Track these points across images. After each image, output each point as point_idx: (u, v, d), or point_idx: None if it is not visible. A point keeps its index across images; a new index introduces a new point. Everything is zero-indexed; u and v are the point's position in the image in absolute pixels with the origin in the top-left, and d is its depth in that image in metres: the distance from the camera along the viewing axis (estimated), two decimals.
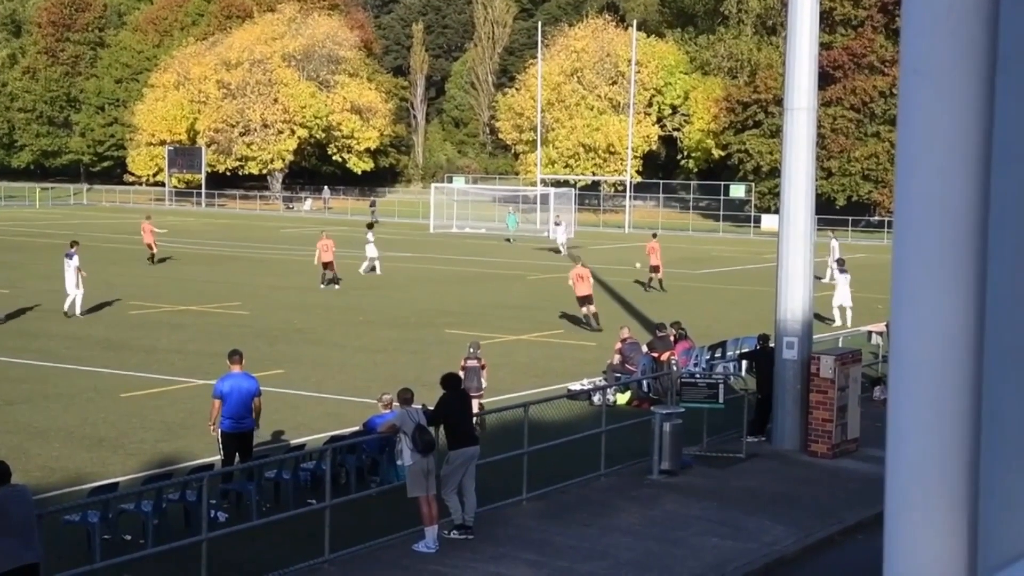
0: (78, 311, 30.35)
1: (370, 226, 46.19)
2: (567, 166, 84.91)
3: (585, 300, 30.10)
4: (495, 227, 65.83)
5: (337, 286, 37.81)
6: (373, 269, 43.13)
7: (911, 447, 1.43)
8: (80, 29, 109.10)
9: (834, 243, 42.87)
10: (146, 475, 14.71)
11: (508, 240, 59.95)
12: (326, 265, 38.26)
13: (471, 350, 19.90)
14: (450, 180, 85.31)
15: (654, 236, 41.84)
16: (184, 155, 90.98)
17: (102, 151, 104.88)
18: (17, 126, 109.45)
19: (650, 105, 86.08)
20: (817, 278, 41.39)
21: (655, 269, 39.09)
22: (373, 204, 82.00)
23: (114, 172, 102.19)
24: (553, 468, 15.96)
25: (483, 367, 19.62)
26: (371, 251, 43.27)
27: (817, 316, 29.42)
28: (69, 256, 30.83)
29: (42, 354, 24.58)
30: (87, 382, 22.05)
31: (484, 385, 19.52)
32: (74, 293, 30.37)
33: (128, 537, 13.08)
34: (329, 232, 41.35)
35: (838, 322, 31.11)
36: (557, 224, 56.91)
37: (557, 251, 53.53)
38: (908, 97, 1.38)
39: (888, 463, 1.47)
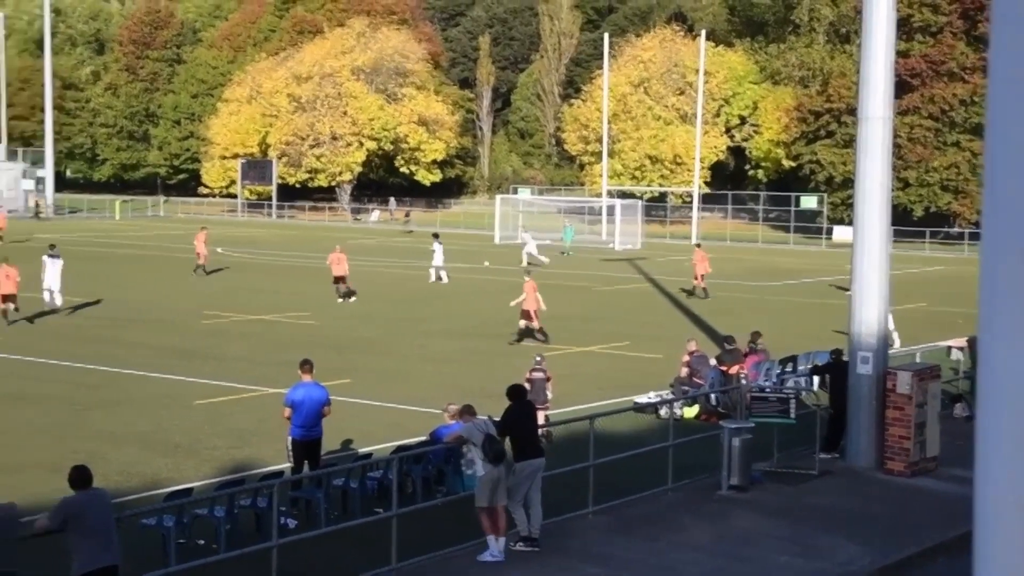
0: (59, 303, 32.37)
1: (436, 235, 46.28)
2: (633, 177, 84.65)
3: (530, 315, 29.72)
4: (560, 238, 65.68)
5: (352, 299, 37.10)
6: (440, 278, 43.27)
7: (1002, 465, 1.38)
8: (159, 46, 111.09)
9: None
10: (219, 481, 14.91)
11: (564, 253, 59.61)
12: (338, 279, 37.52)
13: (536, 361, 19.91)
14: (515, 191, 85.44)
15: (698, 246, 42.95)
16: (256, 168, 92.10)
17: (178, 164, 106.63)
18: (99, 141, 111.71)
19: (718, 115, 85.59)
20: (844, 289, 41.10)
21: (700, 277, 40.27)
22: (407, 215, 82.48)
23: (189, 184, 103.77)
24: (619, 481, 15.90)
25: (548, 379, 19.61)
26: (437, 259, 43.43)
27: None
28: (53, 257, 32.68)
29: (119, 361, 24.99)
30: (162, 389, 22.39)
31: (550, 397, 19.51)
32: (54, 289, 32.35)
33: (202, 542, 13.26)
34: (343, 246, 40.90)
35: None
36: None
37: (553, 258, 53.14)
38: (998, 106, 1.37)
39: (977, 483, 1.42)
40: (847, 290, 34.91)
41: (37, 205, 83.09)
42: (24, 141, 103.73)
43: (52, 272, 32.66)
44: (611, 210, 71.31)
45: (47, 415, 19.82)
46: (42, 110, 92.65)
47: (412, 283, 43.92)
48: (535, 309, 29.35)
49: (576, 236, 65.94)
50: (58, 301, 32.75)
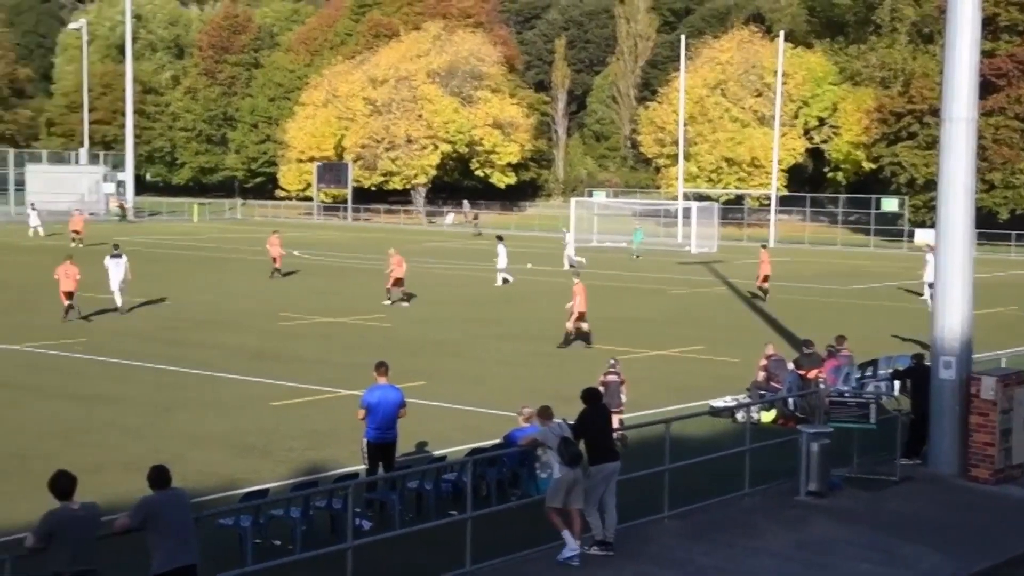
0: (119, 303, 33.21)
1: (500, 237, 46.26)
2: (710, 180, 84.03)
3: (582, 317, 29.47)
4: (630, 241, 65.29)
5: (406, 304, 36.88)
6: (506, 280, 43.27)
7: None
8: (237, 51, 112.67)
9: (929, 257, 41.54)
10: (294, 482, 15.01)
11: (634, 256, 59.13)
12: (396, 282, 37.21)
13: (611, 364, 19.83)
14: (590, 194, 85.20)
15: (763, 247, 42.83)
16: (332, 171, 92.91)
17: (255, 167, 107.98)
18: (178, 144, 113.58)
19: (796, 117, 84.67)
20: (917, 294, 40.33)
21: (765, 278, 40.42)
22: (476, 217, 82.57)
23: (266, 187, 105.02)
24: (695, 486, 15.75)
25: (623, 382, 19.51)
26: (501, 262, 43.47)
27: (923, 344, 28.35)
28: (116, 257, 33.59)
29: (198, 363, 25.31)
30: (239, 390, 22.63)
31: (624, 400, 19.41)
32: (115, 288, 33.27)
33: (278, 542, 13.35)
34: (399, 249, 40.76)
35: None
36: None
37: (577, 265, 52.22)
38: None
39: None
40: (921, 295, 34.42)
41: (122, 208, 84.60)
42: (105, 145, 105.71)
43: (116, 272, 33.57)
44: (687, 213, 70.87)
45: (128, 416, 20.12)
46: (123, 114, 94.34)
47: (486, 286, 43.97)
48: (583, 311, 29.18)
49: (652, 239, 65.62)
50: (118, 301, 33.55)
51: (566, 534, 13.15)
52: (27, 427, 18.98)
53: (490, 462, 15.46)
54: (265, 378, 23.81)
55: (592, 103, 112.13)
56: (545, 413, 14.03)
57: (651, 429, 17.03)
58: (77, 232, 55.77)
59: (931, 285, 31.46)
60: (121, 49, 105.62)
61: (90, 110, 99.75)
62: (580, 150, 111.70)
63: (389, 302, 36.71)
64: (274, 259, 44.32)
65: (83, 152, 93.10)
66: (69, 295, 31.53)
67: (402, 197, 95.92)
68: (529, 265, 52.32)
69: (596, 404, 14.08)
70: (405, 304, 36.77)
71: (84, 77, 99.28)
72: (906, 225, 73.93)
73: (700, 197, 77.27)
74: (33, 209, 69.01)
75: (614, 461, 13.82)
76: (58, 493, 9.64)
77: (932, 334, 18.14)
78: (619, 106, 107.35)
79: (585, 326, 29.30)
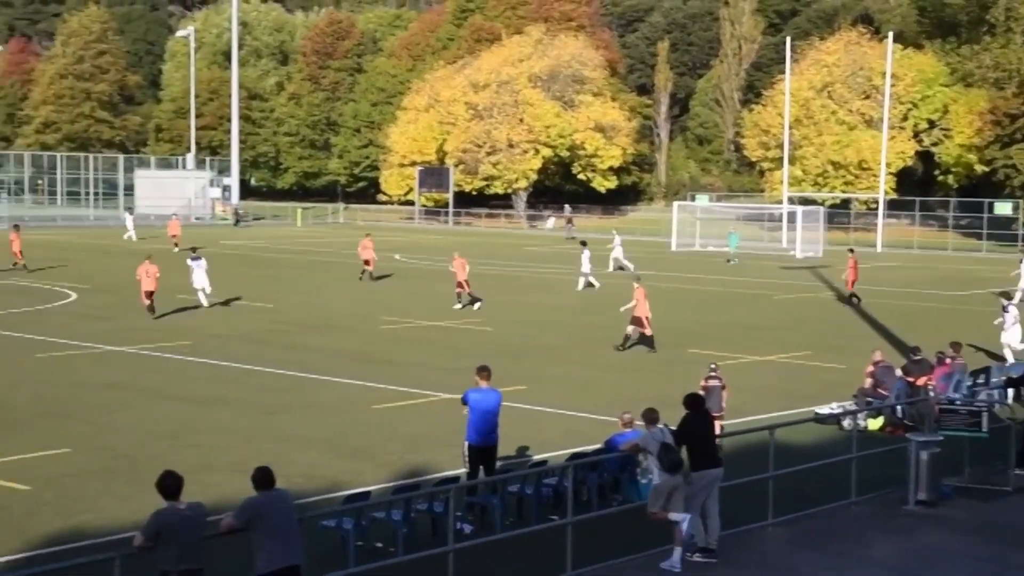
0: (205, 303, 34.84)
1: (583, 243, 46.04)
2: (815, 184, 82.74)
3: (642, 321, 28.98)
4: (741, 245, 64.55)
5: (477, 306, 36.59)
6: (590, 285, 43.08)
7: None
8: (340, 56, 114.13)
9: None
10: (396, 485, 15.08)
11: (729, 260, 58.32)
12: (461, 285, 37.08)
13: (712, 369, 19.61)
14: (693, 198, 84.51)
15: (851, 252, 42.30)
16: (433, 175, 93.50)
17: (357, 172, 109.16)
18: (282, 149, 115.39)
19: (905, 119, 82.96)
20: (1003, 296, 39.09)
21: (851, 283, 40.22)
22: (570, 221, 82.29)
23: (368, 192, 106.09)
24: (800, 493, 15.48)
25: (724, 387, 19.30)
26: (585, 266, 43.28)
27: (992, 355, 27.45)
28: (196, 259, 35.42)
29: (301, 366, 25.62)
30: (341, 393, 22.85)
31: (724, 406, 19.20)
32: (201, 288, 35.07)
33: (379, 544, 13.42)
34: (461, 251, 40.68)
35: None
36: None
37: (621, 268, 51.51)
38: None
39: None
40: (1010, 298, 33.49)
41: (236, 212, 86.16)
42: (211, 150, 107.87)
43: (198, 274, 35.19)
44: (791, 217, 69.88)
45: (233, 417, 20.43)
46: (229, 120, 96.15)
47: (587, 290, 43.82)
48: (646, 316, 28.84)
49: (755, 244, 64.80)
50: (204, 301, 34.99)
51: (680, 524, 12.97)
52: (136, 428, 19.38)
53: (591, 467, 15.36)
54: (367, 381, 24.00)
55: (695, 106, 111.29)
56: (649, 417, 13.88)
57: (754, 436, 16.77)
58: (175, 236, 56.91)
59: None
60: (227, 56, 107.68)
61: (197, 116, 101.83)
62: (682, 154, 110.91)
63: (459, 306, 36.57)
64: (366, 262, 44.65)
65: (190, 157, 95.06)
66: (150, 294, 32.72)
67: (503, 201, 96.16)
68: (636, 269, 51.99)
69: (699, 410, 13.93)
70: (475, 306, 36.49)
71: (191, 84, 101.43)
72: (1020, 229, 71.95)
73: (805, 201, 76.14)
74: (129, 213, 70.79)
75: (717, 467, 13.65)
76: (166, 493, 9.79)
77: None
78: (723, 109, 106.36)
79: (648, 331, 28.96)
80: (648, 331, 28.86)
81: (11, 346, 27.45)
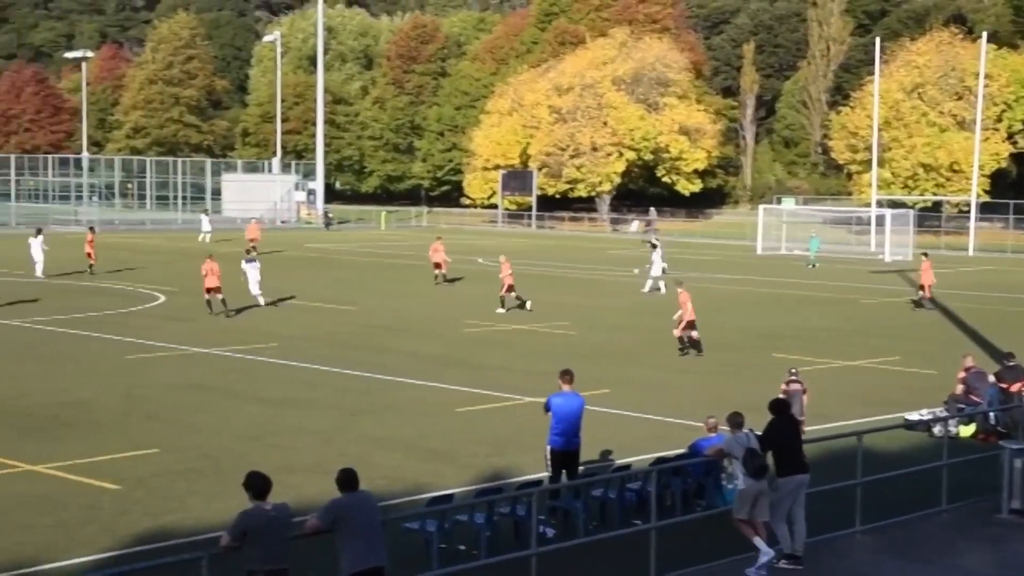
0: (262, 302, 35.73)
1: (654, 246, 45.61)
2: (905, 186, 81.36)
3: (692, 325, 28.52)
4: (827, 249, 63.73)
5: (528, 306, 36.37)
6: (657, 289, 42.76)
7: None
8: (424, 60, 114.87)
9: None
10: (478, 488, 15.05)
11: (811, 265, 57.36)
12: (509, 288, 36.77)
13: (792, 373, 19.33)
14: (779, 201, 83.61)
15: (925, 256, 41.86)
16: (516, 178, 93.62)
17: (441, 176, 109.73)
18: (366, 153, 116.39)
19: (999, 121, 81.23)
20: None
21: (924, 287, 39.55)
22: (650, 224, 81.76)
23: (452, 195, 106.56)
24: (889, 501, 15.18)
25: (805, 391, 19.02)
26: (655, 270, 42.91)
27: None
28: (250, 261, 36.43)
29: (384, 368, 25.73)
30: (424, 396, 22.90)
31: (806, 410, 18.91)
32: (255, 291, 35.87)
33: (462, 547, 13.40)
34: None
35: None
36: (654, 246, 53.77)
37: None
38: None
39: None
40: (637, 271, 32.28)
41: (327, 216, 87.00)
42: (297, 154, 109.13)
43: (252, 275, 36.02)
44: (880, 220, 68.78)
45: (316, 419, 20.56)
46: (314, 124, 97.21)
47: (670, 294, 43.50)
48: (692, 319, 28.41)
49: (843, 247, 63.83)
50: (260, 301, 35.75)
51: (757, 540, 12.81)
52: (220, 429, 19.60)
53: (675, 472, 15.20)
54: (450, 384, 24.03)
55: (782, 108, 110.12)
56: (734, 421, 13.70)
57: (842, 441, 16.49)
58: (253, 240, 57.49)
59: None
60: (313, 60, 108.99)
61: (283, 120, 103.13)
62: (768, 156, 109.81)
63: (504, 310, 36.22)
64: (437, 265, 44.69)
65: (276, 161, 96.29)
66: (212, 291, 33.96)
67: (586, 205, 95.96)
68: (636, 271, 51.64)
69: (784, 415, 13.73)
70: (525, 309, 36.25)
71: (277, 88, 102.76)
72: None
73: (894, 204, 74.88)
74: (205, 215, 71.92)
75: (803, 473, 13.44)
76: (254, 492, 9.85)
77: None
78: (810, 111, 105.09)
79: (695, 334, 28.56)
80: (695, 333, 28.52)
81: (102, 348, 27.97)
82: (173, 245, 63.98)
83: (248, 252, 38.06)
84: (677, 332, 28.63)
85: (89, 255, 45.66)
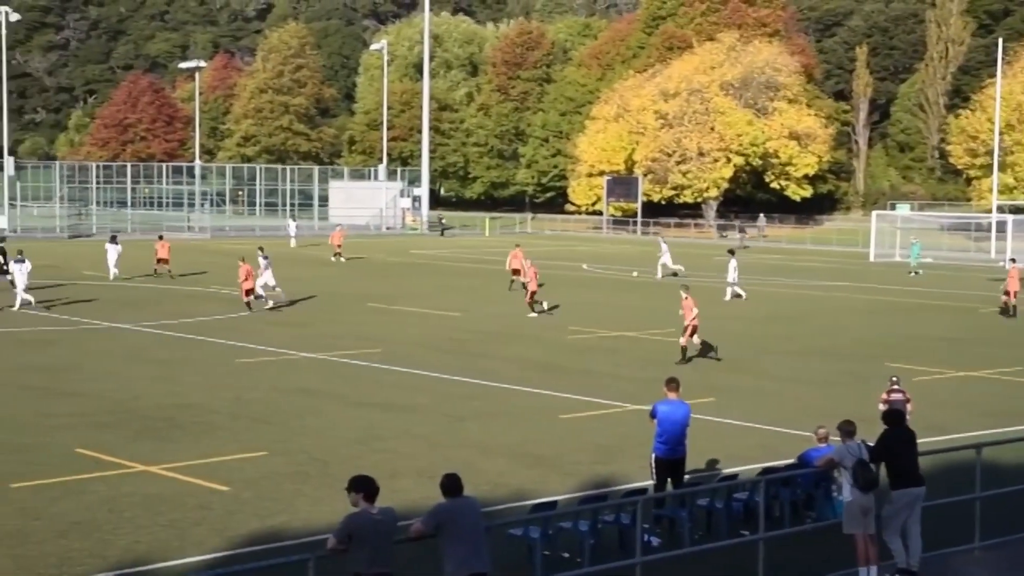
0: (283, 297, 37.84)
1: (731, 251, 44.88)
2: None
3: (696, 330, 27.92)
4: (945, 256, 62.22)
5: (548, 308, 36.54)
6: (739, 295, 42.14)
7: None
8: (529, 67, 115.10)
9: None
10: (582, 495, 14.91)
11: (913, 272, 55.85)
12: (533, 294, 36.80)
13: (893, 382, 18.86)
14: (893, 207, 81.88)
15: (1013, 261, 41.40)
16: (621, 185, 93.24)
17: (545, 182, 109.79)
18: (471, 160, 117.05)
19: None
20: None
21: (1012, 294, 38.70)
22: (742, 230, 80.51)
23: (556, 202, 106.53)
24: (1012, 516, 14.66)
25: (908, 400, 18.52)
26: (731, 276, 42.29)
27: None
28: (266, 258, 38.31)
29: (488, 374, 25.74)
30: (529, 402, 22.83)
31: (908, 420, 18.36)
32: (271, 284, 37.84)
33: (566, 555, 13.29)
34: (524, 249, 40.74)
35: None
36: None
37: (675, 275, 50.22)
38: None
39: None
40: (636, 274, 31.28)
41: (440, 222, 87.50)
42: (402, 161, 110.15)
43: (267, 273, 37.87)
44: (1001, 226, 66.96)
45: (421, 424, 20.62)
46: (419, 131, 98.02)
47: (776, 301, 42.90)
48: (695, 325, 27.84)
49: (961, 254, 62.25)
50: (283, 296, 37.92)
51: (863, 570, 12.51)
52: (327, 432, 19.77)
53: (783, 482, 14.90)
54: (554, 390, 23.94)
55: (896, 112, 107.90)
56: (846, 429, 13.33)
57: (959, 454, 15.99)
58: (339, 247, 57.95)
59: None
60: (419, 68, 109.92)
61: (388, 128, 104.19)
62: (882, 161, 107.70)
63: (535, 314, 36.27)
64: (515, 271, 44.53)
65: (381, 168, 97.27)
66: (250, 292, 35.99)
67: (692, 211, 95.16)
68: (635, 273, 50.99)
69: (899, 426, 13.34)
70: (536, 315, 36.26)
71: (384, 96, 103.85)
72: None
73: (1017, 210, 72.79)
74: (292, 220, 72.83)
75: (918, 486, 13.04)
76: (366, 494, 9.87)
77: None
78: (926, 115, 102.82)
79: (696, 339, 28.00)
80: (684, 341, 27.96)
81: (213, 352, 28.46)
82: (280, 251, 64.95)
83: (261, 249, 39.86)
84: (683, 340, 28.03)
85: (164, 260, 46.44)
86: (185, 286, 43.84)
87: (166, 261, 46.44)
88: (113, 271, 45.56)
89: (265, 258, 38.30)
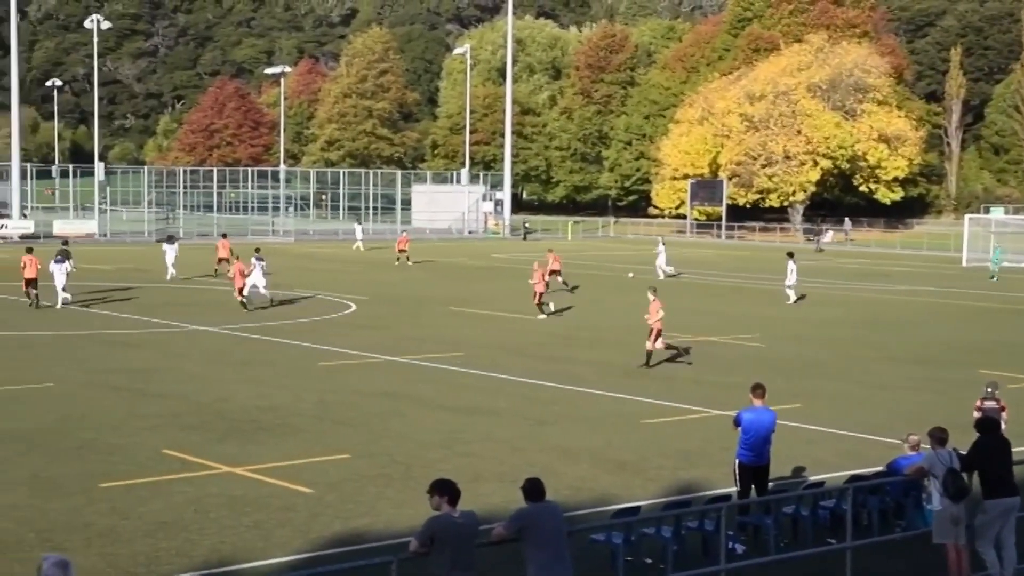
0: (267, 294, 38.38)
1: (790, 254, 44.14)
2: None
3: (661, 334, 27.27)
4: (989, 260, 60.64)
5: (556, 313, 36.65)
6: (802, 297, 41.51)
7: None
8: (613, 70, 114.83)
9: None
10: (665, 501, 14.77)
11: (992, 277, 54.53)
12: (541, 296, 36.90)
13: (988, 390, 18.38)
14: (987, 210, 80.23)
15: None
16: (705, 188, 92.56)
17: (628, 185, 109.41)
18: (553, 163, 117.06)
19: None
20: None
21: None
22: (818, 234, 79.37)
23: (639, 205, 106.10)
24: None
25: (1003, 409, 18.05)
26: (791, 279, 41.70)
27: None
28: (259, 259, 38.83)
29: (569, 378, 25.65)
30: (610, 407, 22.70)
31: (1004, 429, 17.91)
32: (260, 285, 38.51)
33: (649, 560, 13.18)
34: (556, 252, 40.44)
35: None
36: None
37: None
38: None
39: None
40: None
41: (524, 226, 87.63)
42: (485, 165, 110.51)
43: (257, 273, 38.52)
44: None
45: (502, 428, 20.60)
46: (502, 135, 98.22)
47: (863, 305, 42.22)
48: (660, 328, 27.22)
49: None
50: (267, 299, 38.34)
51: None
52: (409, 436, 19.82)
53: (872, 490, 14.62)
54: (636, 395, 23.78)
55: (991, 113, 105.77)
56: (937, 436, 13.04)
57: None
58: (403, 251, 58.06)
59: None
60: (502, 72, 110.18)
61: (471, 131, 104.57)
62: (976, 164, 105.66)
63: (544, 316, 36.37)
64: (553, 272, 44.45)
65: (464, 172, 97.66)
66: (241, 290, 37.06)
67: (778, 215, 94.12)
68: (631, 275, 50.03)
69: (993, 434, 13.03)
70: (545, 317, 36.35)
71: (467, 100, 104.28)
72: None
73: None
74: (358, 223, 73.29)
75: (1012, 496, 12.72)
76: (446, 499, 9.88)
77: None
78: (1023, 116, 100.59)
79: (660, 344, 27.37)
80: (650, 346, 27.35)
81: (297, 355, 28.73)
82: (364, 255, 65.53)
83: (258, 250, 40.58)
84: (649, 345, 27.52)
85: (225, 260, 46.76)
86: (269, 289, 44.32)
87: (227, 260, 47.05)
88: (171, 271, 46.49)
89: (259, 260, 38.82)
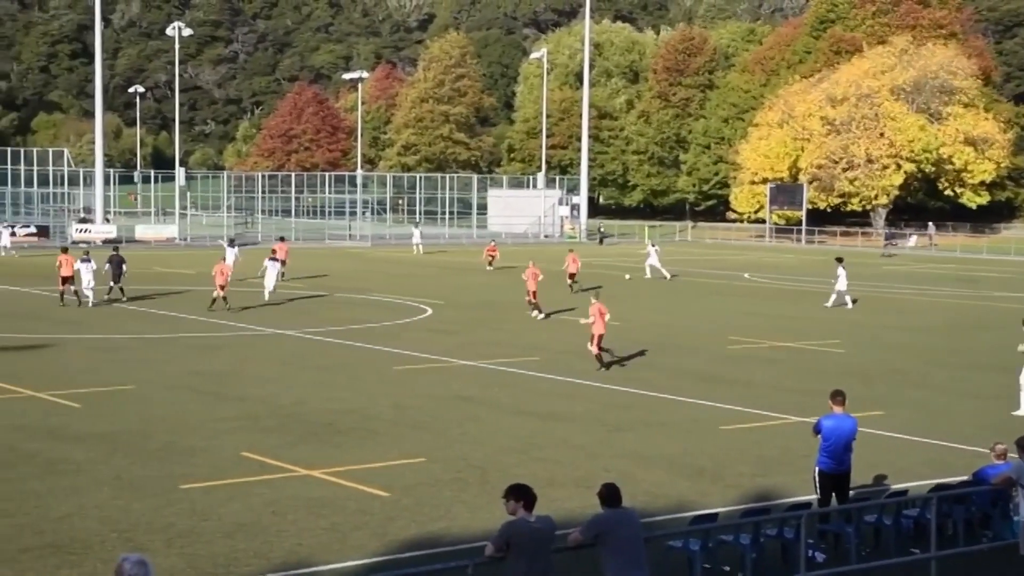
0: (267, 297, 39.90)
1: (839, 259, 43.33)
2: None
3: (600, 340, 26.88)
4: None
5: (546, 317, 36.84)
6: (844, 303, 40.70)
7: None
8: (691, 73, 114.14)
9: None
10: (744, 508, 14.59)
11: None
12: (534, 294, 37.65)
13: None
14: None
15: None
16: (785, 192, 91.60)
17: (706, 189, 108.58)
18: (630, 167, 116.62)
19: None
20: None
21: None
22: (889, 238, 78.10)
23: (717, 210, 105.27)
24: None
25: None
26: (841, 284, 40.91)
27: None
28: (273, 260, 40.98)
29: (646, 384, 25.49)
30: (687, 413, 22.51)
31: None
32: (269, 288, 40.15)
33: (727, 568, 13.01)
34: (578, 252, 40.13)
35: None
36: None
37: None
38: None
39: None
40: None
41: (599, 231, 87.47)
42: (561, 169, 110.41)
43: (271, 273, 40.34)
44: None
45: (578, 433, 20.50)
46: (578, 139, 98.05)
47: (946, 311, 41.42)
48: (601, 334, 26.67)
49: None
50: (266, 296, 39.79)
51: None
52: (485, 440, 19.81)
53: (957, 499, 14.30)
54: (714, 401, 23.55)
55: None
56: (1022, 444, 12.73)
57: None
58: (492, 255, 58.24)
59: None
60: (579, 76, 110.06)
61: (548, 136, 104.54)
62: None
63: (542, 316, 36.85)
64: (572, 275, 44.95)
65: (540, 176, 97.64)
66: (222, 287, 37.46)
67: (860, 219, 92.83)
68: (627, 276, 49.58)
69: None
70: (542, 317, 36.80)
71: (543, 104, 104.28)
72: None
73: None
74: (415, 227, 73.49)
75: None
76: (522, 503, 9.83)
77: None
78: None
79: (594, 348, 26.85)
80: (595, 349, 26.87)
81: (374, 359, 28.88)
82: (439, 259, 65.78)
83: (274, 252, 42.75)
84: (593, 348, 26.98)
85: (281, 262, 47.21)
86: (346, 293, 44.69)
87: (283, 262, 47.50)
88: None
89: (273, 260, 41.12)
